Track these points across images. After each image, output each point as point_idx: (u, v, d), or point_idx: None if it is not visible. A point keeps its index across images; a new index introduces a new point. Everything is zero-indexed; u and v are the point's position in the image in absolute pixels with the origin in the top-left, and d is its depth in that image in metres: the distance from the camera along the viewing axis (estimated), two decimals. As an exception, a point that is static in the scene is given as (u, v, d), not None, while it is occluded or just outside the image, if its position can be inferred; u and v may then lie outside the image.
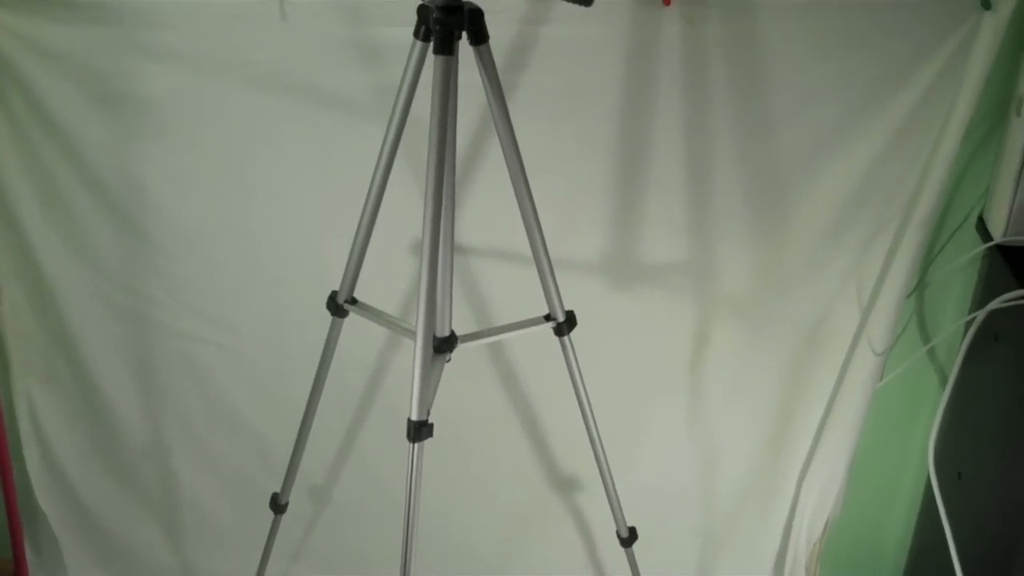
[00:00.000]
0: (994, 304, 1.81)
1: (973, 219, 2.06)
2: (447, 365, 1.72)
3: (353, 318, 1.78)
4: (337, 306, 1.78)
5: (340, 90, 1.90)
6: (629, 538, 2.15)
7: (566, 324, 1.87)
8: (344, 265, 1.69)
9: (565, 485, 2.25)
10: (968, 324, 1.97)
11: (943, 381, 2.20)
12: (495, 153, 1.70)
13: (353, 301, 1.77)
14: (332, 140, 1.96)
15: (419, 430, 1.45)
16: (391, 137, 1.65)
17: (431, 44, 1.40)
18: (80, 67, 1.93)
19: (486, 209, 2.09)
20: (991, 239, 1.94)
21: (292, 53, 1.87)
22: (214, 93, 1.93)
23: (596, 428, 1.97)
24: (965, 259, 2.09)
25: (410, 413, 1.45)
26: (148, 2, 1.85)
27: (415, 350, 1.44)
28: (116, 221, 2.11)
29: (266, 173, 2.02)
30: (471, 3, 1.43)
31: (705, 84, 1.97)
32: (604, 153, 2.08)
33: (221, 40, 1.88)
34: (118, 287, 2.19)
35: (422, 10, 1.44)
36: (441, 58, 1.42)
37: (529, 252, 1.65)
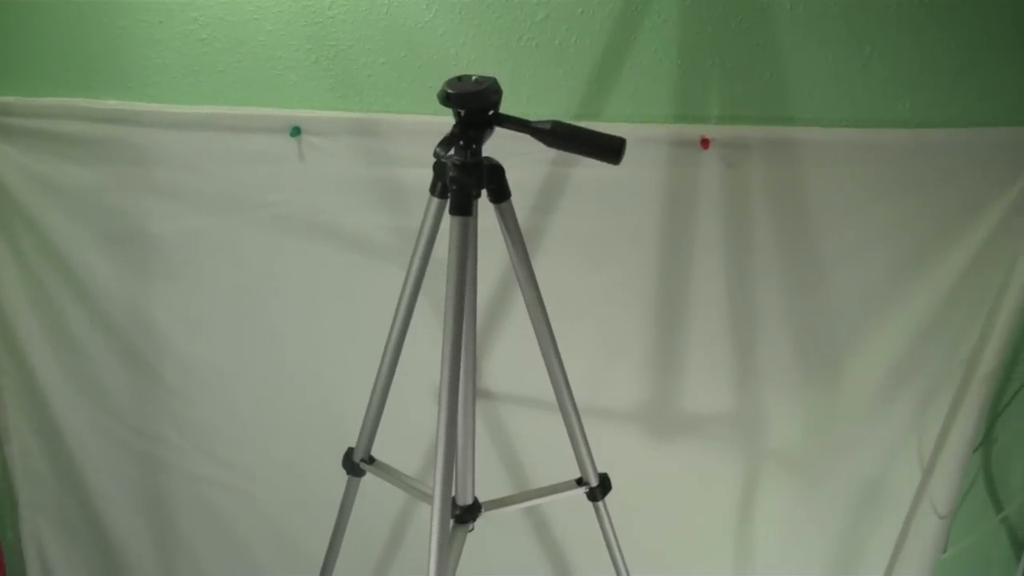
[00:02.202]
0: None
1: (1044, 370, 1.98)
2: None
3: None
4: (353, 464, 1.77)
5: (359, 232, 1.97)
6: None
7: (600, 489, 1.84)
8: (362, 416, 1.67)
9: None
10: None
11: (1018, 554, 2.11)
12: (521, 297, 1.63)
13: (371, 460, 1.77)
14: (352, 282, 2.02)
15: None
16: (409, 290, 1.57)
17: (448, 201, 1.36)
18: (91, 206, 2.00)
19: (513, 355, 2.10)
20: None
21: (310, 194, 1.95)
22: (229, 233, 1.99)
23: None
24: (1036, 413, 1.99)
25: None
26: (161, 141, 1.93)
27: (432, 521, 1.39)
28: (128, 362, 2.15)
29: (283, 316, 2.06)
30: (490, 159, 1.42)
31: (748, 230, 1.91)
32: (640, 299, 2.08)
33: (237, 180, 1.96)
34: (130, 428, 2.23)
35: (438, 167, 1.45)
36: (458, 219, 1.39)
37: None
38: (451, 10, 1.82)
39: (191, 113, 1.90)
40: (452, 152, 1.34)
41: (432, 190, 1.47)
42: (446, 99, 1.33)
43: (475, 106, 1.35)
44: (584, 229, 1.96)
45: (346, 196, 1.94)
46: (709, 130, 1.82)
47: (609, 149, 1.32)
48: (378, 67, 1.89)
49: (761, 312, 1.98)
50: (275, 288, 2.04)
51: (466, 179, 1.37)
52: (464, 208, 1.40)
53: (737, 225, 1.89)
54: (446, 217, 1.41)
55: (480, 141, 1.37)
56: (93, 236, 2.03)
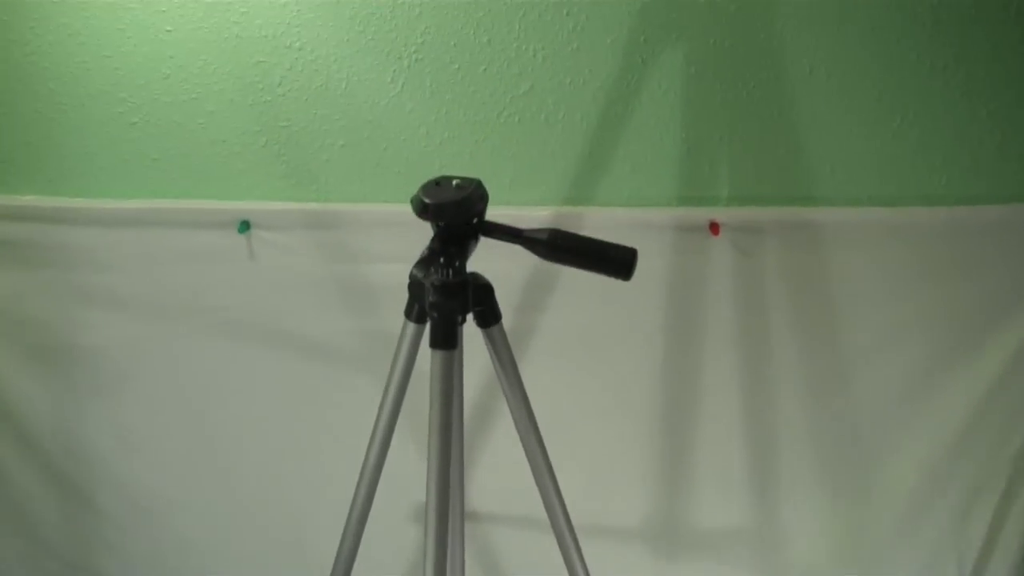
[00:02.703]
0: None
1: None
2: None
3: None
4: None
5: (321, 337, 1.83)
6: None
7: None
8: (337, 542, 1.48)
9: None
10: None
11: None
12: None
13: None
14: (315, 394, 1.88)
15: None
16: (384, 421, 1.42)
17: (427, 327, 1.18)
18: (10, 316, 1.83)
19: (502, 470, 1.89)
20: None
21: (263, 296, 1.81)
22: (171, 342, 1.84)
23: None
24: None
25: None
26: (88, 240, 1.77)
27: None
28: (58, 488, 1.97)
29: (236, 434, 1.91)
30: (477, 276, 1.24)
31: (764, 324, 1.81)
32: (642, 404, 1.91)
33: (178, 282, 1.80)
34: (64, 563, 2.04)
35: (414, 287, 1.24)
36: (441, 354, 1.19)
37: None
38: (419, 83, 1.73)
39: (122, 209, 1.74)
40: (431, 271, 1.17)
41: (407, 313, 1.29)
42: (423, 210, 1.16)
43: (458, 218, 1.18)
44: (579, 327, 1.82)
45: (304, 297, 1.79)
46: (718, 213, 1.71)
47: (618, 263, 1.15)
48: (337, 151, 1.75)
49: (779, 415, 1.86)
50: (225, 403, 1.89)
51: (449, 304, 1.18)
52: (447, 339, 1.20)
53: (751, 319, 1.77)
54: (425, 340, 1.22)
55: (464, 257, 1.19)
56: (14, 350, 1.86)
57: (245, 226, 1.78)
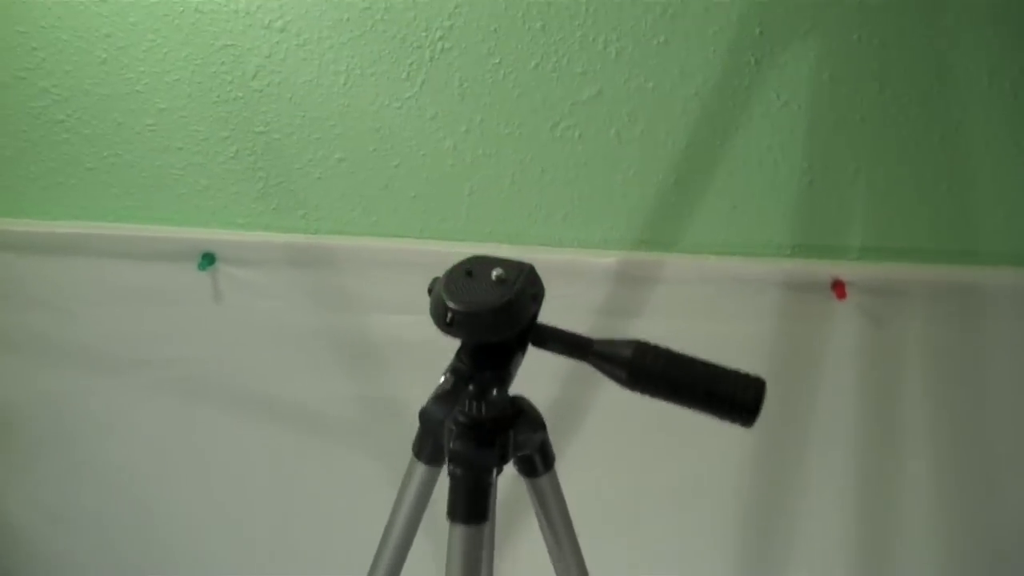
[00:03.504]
0: None
1: None
2: None
3: None
4: None
5: (304, 402, 1.62)
6: None
7: None
8: None
9: None
10: None
11: None
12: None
13: None
14: (297, 474, 1.68)
15: None
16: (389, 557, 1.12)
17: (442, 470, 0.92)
18: None
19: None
20: None
21: (229, 346, 1.59)
22: (113, 399, 1.64)
23: None
24: None
25: None
26: (7, 270, 1.57)
27: None
28: None
29: (195, 516, 1.73)
30: (521, 402, 0.96)
31: (896, 414, 1.55)
32: (732, 493, 1.64)
33: (123, 327, 1.61)
34: None
35: (428, 420, 0.95)
36: (464, 529, 0.89)
37: None
38: (445, 81, 1.39)
39: (49, 233, 1.51)
40: (454, 403, 0.88)
41: (417, 451, 1.00)
42: (446, 322, 0.84)
43: (500, 333, 0.86)
44: (649, 406, 1.34)
45: (285, 351, 1.58)
46: (846, 269, 1.45)
47: (736, 404, 0.81)
48: (331, 166, 1.47)
49: (906, 528, 1.62)
50: (179, 478, 1.71)
51: (481, 457, 0.90)
52: (474, 509, 0.90)
53: (879, 407, 1.53)
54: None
55: (505, 383, 0.88)
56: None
57: (208, 260, 1.52)
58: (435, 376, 1.22)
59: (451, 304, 0.83)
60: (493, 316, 0.83)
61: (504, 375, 0.88)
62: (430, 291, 0.88)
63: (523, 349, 0.90)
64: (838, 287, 1.46)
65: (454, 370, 0.88)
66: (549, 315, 1.23)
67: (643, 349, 0.83)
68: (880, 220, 1.45)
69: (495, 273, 0.86)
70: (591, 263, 1.48)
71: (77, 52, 1.42)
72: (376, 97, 1.42)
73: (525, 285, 0.86)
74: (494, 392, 0.88)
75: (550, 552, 1.08)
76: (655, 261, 1.47)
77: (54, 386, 1.65)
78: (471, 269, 0.88)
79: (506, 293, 0.84)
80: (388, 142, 1.45)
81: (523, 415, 0.96)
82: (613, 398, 1.36)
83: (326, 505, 1.69)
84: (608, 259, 1.48)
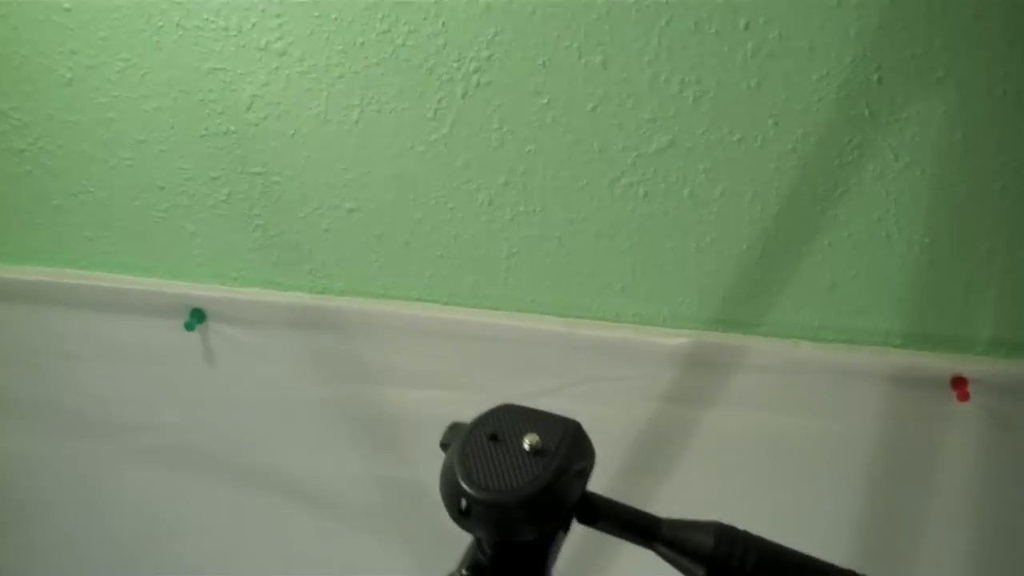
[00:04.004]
0: None
1: None
2: None
3: None
4: None
5: (314, 481, 1.46)
6: None
7: None
8: None
9: None
10: None
11: None
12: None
13: None
14: (304, 560, 1.53)
15: None
16: None
17: None
18: None
19: None
20: None
21: (227, 414, 1.44)
22: (93, 468, 1.51)
23: None
24: None
25: None
26: None
27: None
28: None
29: None
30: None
31: None
32: None
33: (102, 388, 1.46)
34: None
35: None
36: None
37: None
38: (482, 122, 1.19)
39: (14, 280, 1.39)
40: None
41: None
42: (460, 511, 0.65)
43: (532, 530, 0.67)
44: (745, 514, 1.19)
45: (288, 423, 1.42)
46: (970, 365, 1.24)
47: None
48: (342, 218, 1.29)
49: None
50: (170, 551, 1.58)
51: None
52: None
53: (1003, 523, 1.34)
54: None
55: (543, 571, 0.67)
56: None
57: (197, 318, 1.36)
58: None
59: (467, 487, 0.64)
60: (524, 509, 0.64)
61: (542, 567, 0.69)
62: (444, 446, 0.70)
63: (567, 529, 0.70)
64: (959, 385, 1.25)
65: (473, 568, 0.69)
66: (601, 401, 1.21)
67: (729, 539, 0.64)
68: (1015, 309, 1.23)
69: (528, 441, 0.66)
70: (655, 343, 1.27)
71: (39, 70, 1.23)
72: (396, 138, 1.22)
73: (569, 457, 0.66)
74: None
75: None
76: (735, 345, 1.26)
77: (27, 449, 1.52)
78: (496, 432, 0.67)
79: (543, 473, 0.65)
80: (410, 192, 1.25)
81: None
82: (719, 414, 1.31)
83: None
84: (677, 340, 1.27)
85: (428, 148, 1.21)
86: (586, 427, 1.22)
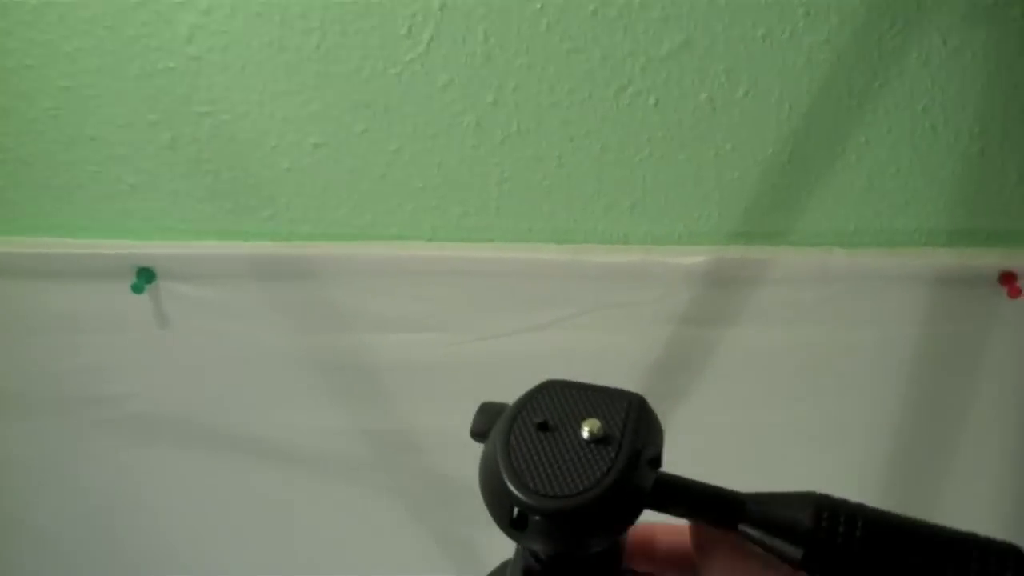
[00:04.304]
0: None
1: None
2: None
3: None
4: None
5: (293, 438, 1.36)
6: None
7: None
8: None
9: None
10: None
11: None
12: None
13: None
14: (289, 514, 1.44)
15: None
16: None
17: None
18: None
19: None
20: None
21: (188, 379, 1.33)
22: (46, 446, 1.39)
23: None
24: None
25: None
26: None
27: None
28: None
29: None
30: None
31: None
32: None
33: (44, 360, 1.33)
34: None
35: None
36: None
37: None
38: (464, 33, 1.07)
39: None
40: None
41: None
42: (509, 522, 0.50)
43: (602, 539, 0.52)
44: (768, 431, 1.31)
45: (256, 381, 1.31)
46: (1020, 259, 1.17)
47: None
48: (306, 155, 1.15)
49: None
50: (137, 529, 1.47)
51: None
52: None
53: None
54: None
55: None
56: None
57: (145, 278, 1.22)
58: (449, 404, 0.97)
59: (519, 494, 0.50)
60: (594, 516, 0.51)
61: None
62: (476, 435, 0.57)
63: (636, 514, 0.56)
64: (1009, 281, 1.18)
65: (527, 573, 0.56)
66: (611, 329, 1.18)
67: (830, 512, 0.52)
68: None
69: (588, 428, 0.53)
70: (670, 264, 1.17)
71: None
72: (365, 61, 1.07)
73: (638, 442, 0.53)
74: None
75: None
76: (760, 258, 1.17)
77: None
78: (546, 419, 0.54)
79: (611, 468, 0.52)
80: (383, 120, 1.10)
81: None
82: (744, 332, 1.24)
83: (333, 553, 1.47)
84: (694, 258, 1.17)
85: (403, 70, 1.06)
86: (597, 356, 1.11)
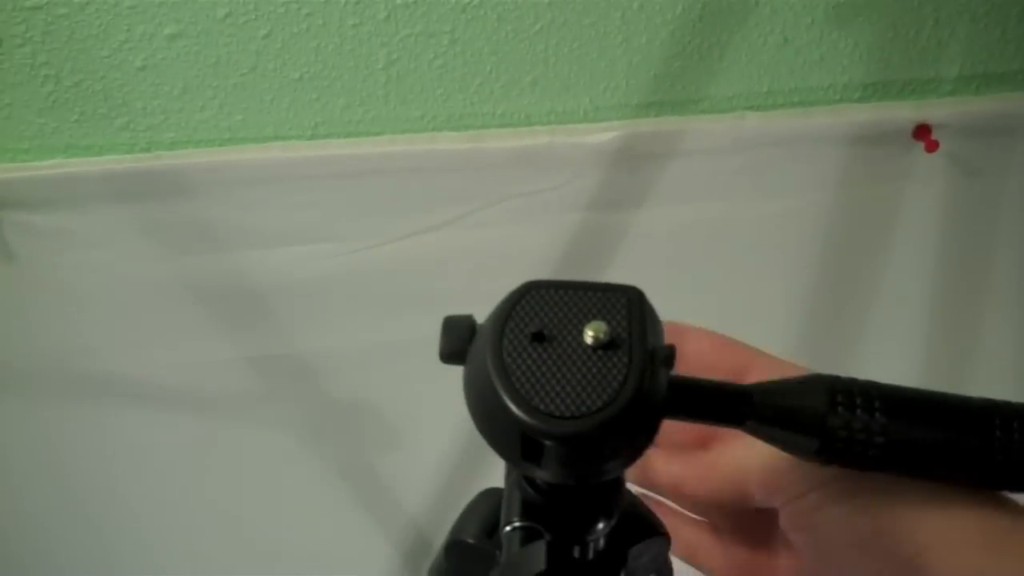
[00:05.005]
0: None
1: None
2: None
3: None
4: None
5: (177, 375, 1.23)
6: None
7: None
8: None
9: None
10: None
11: None
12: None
13: None
14: (176, 461, 1.31)
15: None
16: None
17: None
18: None
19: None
20: None
21: (43, 320, 1.18)
22: None
23: None
24: None
25: None
26: None
27: None
28: None
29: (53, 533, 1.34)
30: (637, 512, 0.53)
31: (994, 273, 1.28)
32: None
33: None
34: None
35: (460, 554, 0.55)
36: None
37: None
38: None
39: None
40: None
41: None
42: (521, 453, 0.40)
43: (629, 455, 0.42)
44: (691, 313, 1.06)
45: (122, 315, 1.17)
46: (936, 109, 1.12)
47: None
48: (161, 48, 0.99)
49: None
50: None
51: None
52: None
53: (972, 271, 1.26)
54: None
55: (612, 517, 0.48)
56: None
57: None
58: (347, 321, 1.12)
59: (529, 419, 0.41)
60: (619, 433, 0.42)
61: (612, 513, 0.50)
62: (450, 356, 0.47)
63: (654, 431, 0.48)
64: (924, 134, 1.12)
65: (530, 516, 0.48)
66: (517, 221, 1.10)
67: (845, 394, 0.46)
68: (987, 35, 1.10)
69: (592, 332, 0.43)
70: (576, 143, 1.07)
71: None
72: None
73: (647, 340, 0.44)
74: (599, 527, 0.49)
75: None
76: (671, 130, 1.07)
77: None
78: (540, 329, 0.44)
79: (627, 377, 0.42)
80: (249, 2, 0.96)
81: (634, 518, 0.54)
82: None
83: (233, 493, 1.35)
84: (602, 135, 1.07)
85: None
86: (504, 251, 1.00)
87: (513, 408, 0.40)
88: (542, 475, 0.43)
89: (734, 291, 1.18)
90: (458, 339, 0.45)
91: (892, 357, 1.26)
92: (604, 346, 0.42)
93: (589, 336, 0.42)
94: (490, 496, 0.54)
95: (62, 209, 1.06)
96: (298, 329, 1.15)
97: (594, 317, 0.43)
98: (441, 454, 1.25)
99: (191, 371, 1.19)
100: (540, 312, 0.43)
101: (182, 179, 1.03)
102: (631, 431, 0.41)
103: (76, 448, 1.25)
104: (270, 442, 1.27)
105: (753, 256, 1.16)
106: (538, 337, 0.42)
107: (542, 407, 0.40)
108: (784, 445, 0.46)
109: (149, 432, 1.23)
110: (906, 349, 1.26)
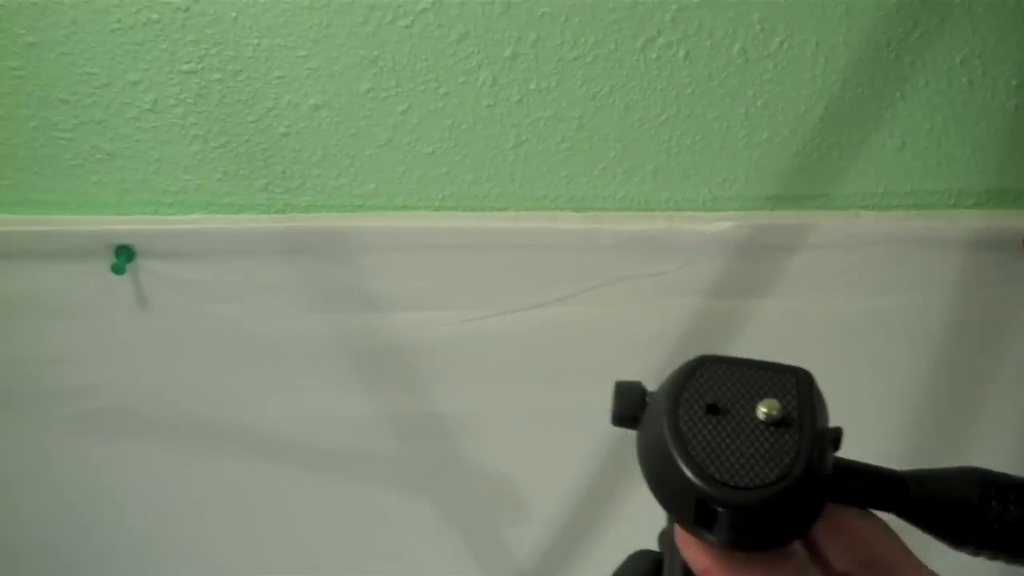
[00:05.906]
0: None
1: None
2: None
3: None
4: None
5: (296, 430, 1.23)
6: None
7: None
8: None
9: None
10: None
11: None
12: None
13: None
14: (299, 510, 1.31)
15: None
16: None
17: None
18: None
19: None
20: None
21: (172, 367, 1.20)
22: (10, 454, 1.23)
23: None
24: None
25: None
26: None
27: None
28: None
29: None
30: None
31: None
32: None
33: (15, 352, 1.17)
34: None
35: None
36: None
37: None
38: None
39: None
40: None
41: None
42: (694, 519, 0.41)
43: (798, 529, 0.42)
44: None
45: (247, 368, 1.18)
46: None
47: None
48: (305, 117, 1.03)
49: None
50: (112, 528, 1.30)
51: None
52: None
53: None
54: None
55: None
56: None
57: (125, 256, 1.07)
58: (464, 387, 1.14)
59: (705, 487, 0.42)
60: (789, 506, 0.43)
61: None
62: (622, 420, 0.48)
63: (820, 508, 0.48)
64: (1034, 241, 1.04)
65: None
66: (629, 302, 1.10)
67: (998, 488, 0.47)
68: None
69: (764, 409, 0.44)
70: (693, 231, 1.08)
71: None
72: (372, 12, 0.96)
73: (817, 421, 0.45)
74: None
75: None
76: (786, 224, 1.08)
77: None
78: (715, 401, 0.45)
79: (799, 454, 0.43)
80: (391, 78, 0.99)
81: None
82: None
83: (342, 554, 1.35)
84: (718, 224, 1.08)
85: (413, 20, 0.96)
86: (618, 330, 1.01)
87: (690, 475, 0.41)
88: (711, 539, 0.43)
89: (834, 381, 1.15)
90: (631, 404, 0.46)
91: (994, 457, 1.21)
92: (776, 423, 0.43)
93: (762, 412, 0.43)
94: (641, 558, 0.54)
95: (197, 262, 1.09)
96: (417, 393, 1.17)
97: (766, 394, 0.44)
98: (557, 520, 1.25)
99: (305, 427, 1.21)
100: (714, 385, 0.45)
101: (314, 241, 1.06)
102: (801, 505, 0.42)
103: (168, 491, 1.29)
104: (385, 503, 1.29)
105: (861, 351, 1.15)
106: (712, 409, 0.43)
107: (717, 476, 0.41)
108: (937, 533, 0.46)
109: (255, 483, 1.27)
110: (1008, 450, 1.23)
